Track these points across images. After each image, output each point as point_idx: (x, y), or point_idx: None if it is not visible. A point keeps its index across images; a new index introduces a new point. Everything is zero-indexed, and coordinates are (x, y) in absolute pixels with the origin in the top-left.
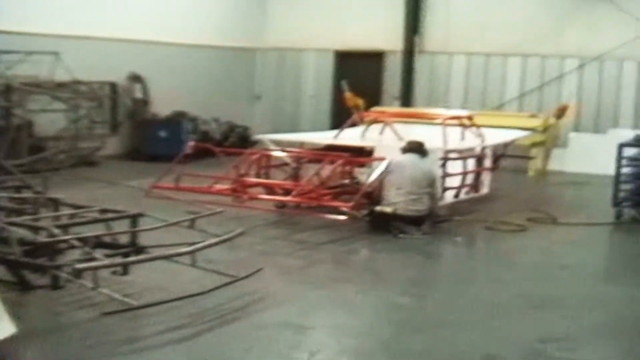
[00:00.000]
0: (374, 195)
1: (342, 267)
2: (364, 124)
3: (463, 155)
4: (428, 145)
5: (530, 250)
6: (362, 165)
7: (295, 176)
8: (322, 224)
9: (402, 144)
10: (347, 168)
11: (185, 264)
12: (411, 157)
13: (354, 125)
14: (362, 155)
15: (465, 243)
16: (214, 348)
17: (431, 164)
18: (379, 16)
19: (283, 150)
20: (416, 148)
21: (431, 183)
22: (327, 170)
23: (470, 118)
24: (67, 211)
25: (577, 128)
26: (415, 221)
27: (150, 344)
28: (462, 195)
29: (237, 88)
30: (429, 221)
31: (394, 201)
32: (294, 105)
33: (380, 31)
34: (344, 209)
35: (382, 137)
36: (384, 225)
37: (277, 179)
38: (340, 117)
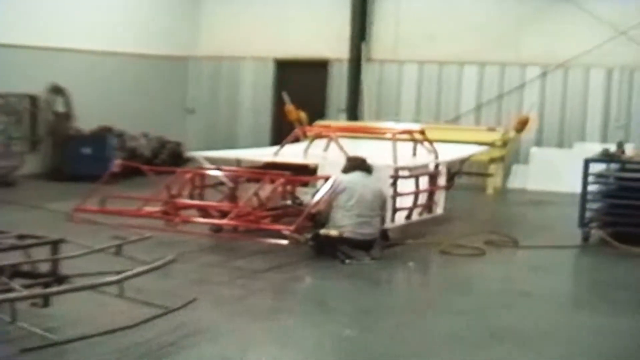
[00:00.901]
0: (318, 218)
1: (283, 296)
2: (307, 139)
3: (415, 173)
4: (377, 162)
5: (489, 277)
6: (305, 184)
7: (232, 197)
8: (261, 249)
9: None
10: (289, 188)
11: (112, 294)
12: (358, 176)
13: (296, 140)
14: (305, 173)
15: (418, 269)
16: None
17: (380, 182)
18: (323, 22)
19: (219, 169)
20: (359, 165)
21: (382, 204)
22: (267, 190)
23: (422, 132)
24: None
25: (539, 142)
26: (364, 245)
27: None
28: (415, 217)
29: (168, 100)
30: (378, 245)
31: (341, 224)
32: (230, 119)
33: (325, 38)
34: (286, 232)
35: (327, 154)
36: (330, 250)
37: (213, 200)
38: (281, 132)
